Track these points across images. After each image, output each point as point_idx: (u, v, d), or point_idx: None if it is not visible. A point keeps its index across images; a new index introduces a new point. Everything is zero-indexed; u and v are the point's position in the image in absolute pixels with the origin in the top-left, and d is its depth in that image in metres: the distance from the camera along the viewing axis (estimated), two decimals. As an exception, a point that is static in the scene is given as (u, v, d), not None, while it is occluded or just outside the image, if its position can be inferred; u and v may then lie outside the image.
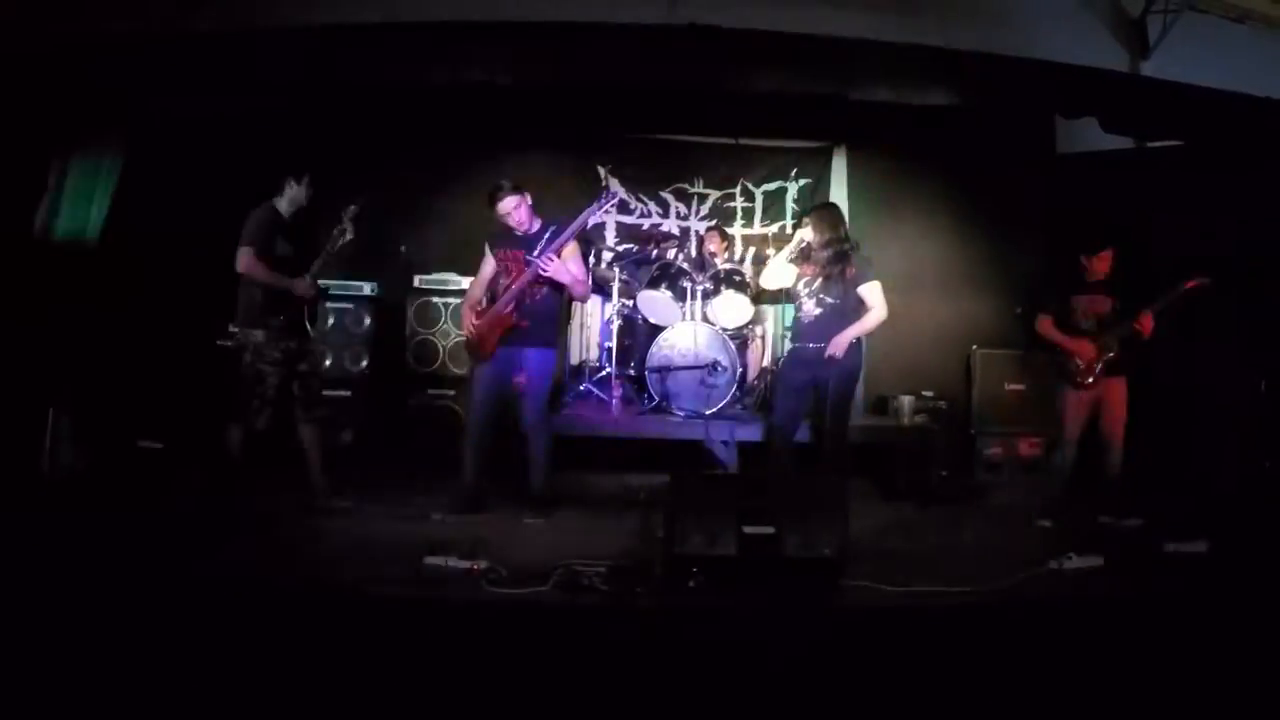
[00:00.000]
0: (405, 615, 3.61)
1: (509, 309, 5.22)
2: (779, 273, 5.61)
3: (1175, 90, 5.75)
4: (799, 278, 5.53)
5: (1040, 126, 7.56)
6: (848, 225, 5.55)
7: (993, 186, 7.72)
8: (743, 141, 8.12)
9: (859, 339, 5.38)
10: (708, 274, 6.99)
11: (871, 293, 5.36)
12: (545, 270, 5.14)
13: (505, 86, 6.35)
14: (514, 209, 5.23)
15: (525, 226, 5.28)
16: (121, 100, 5.77)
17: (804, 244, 5.47)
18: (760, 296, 7.00)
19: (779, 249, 7.41)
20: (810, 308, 5.44)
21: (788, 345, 5.88)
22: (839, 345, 5.27)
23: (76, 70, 5.29)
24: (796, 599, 3.90)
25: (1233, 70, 5.72)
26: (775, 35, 5.36)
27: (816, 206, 5.67)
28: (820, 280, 5.40)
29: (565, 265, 5.21)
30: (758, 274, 7.23)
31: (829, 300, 5.37)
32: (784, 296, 6.00)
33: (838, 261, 5.35)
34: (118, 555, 4.05)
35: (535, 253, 5.17)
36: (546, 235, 5.23)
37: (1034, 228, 7.56)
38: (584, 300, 5.18)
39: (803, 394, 5.51)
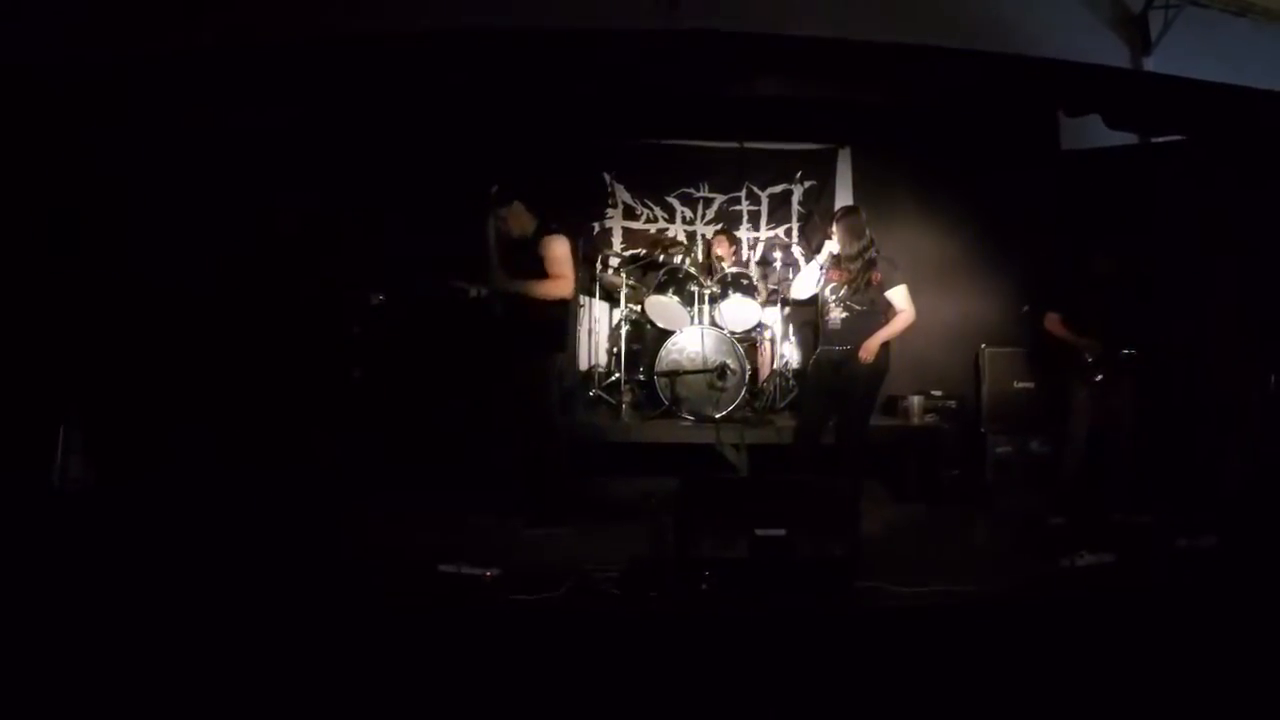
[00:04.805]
0: (418, 623, 3.62)
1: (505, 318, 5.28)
2: (809, 282, 5.63)
3: (1178, 85, 5.75)
4: (825, 284, 5.54)
5: (1044, 124, 7.54)
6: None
7: (998, 185, 7.69)
8: (747, 145, 8.10)
9: (887, 342, 5.38)
10: (715, 278, 7.00)
11: (900, 296, 5.37)
12: None
13: (508, 94, 6.36)
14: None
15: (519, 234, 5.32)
16: (126, 109, 5.79)
17: (833, 254, 5.48)
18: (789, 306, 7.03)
19: (785, 252, 7.49)
20: (837, 313, 5.44)
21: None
22: (869, 349, 5.27)
23: (82, 83, 5.33)
24: (809, 601, 3.90)
25: (1235, 63, 5.73)
26: (776, 38, 5.38)
27: (842, 215, 5.57)
28: (846, 286, 5.42)
29: (505, 276, 5.19)
30: (763, 275, 7.28)
31: (856, 306, 5.38)
32: (813, 304, 5.98)
33: (866, 269, 5.37)
34: (127, 568, 4.07)
35: None
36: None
37: (1040, 225, 7.53)
38: (557, 296, 5.12)
39: (829, 397, 5.52)
